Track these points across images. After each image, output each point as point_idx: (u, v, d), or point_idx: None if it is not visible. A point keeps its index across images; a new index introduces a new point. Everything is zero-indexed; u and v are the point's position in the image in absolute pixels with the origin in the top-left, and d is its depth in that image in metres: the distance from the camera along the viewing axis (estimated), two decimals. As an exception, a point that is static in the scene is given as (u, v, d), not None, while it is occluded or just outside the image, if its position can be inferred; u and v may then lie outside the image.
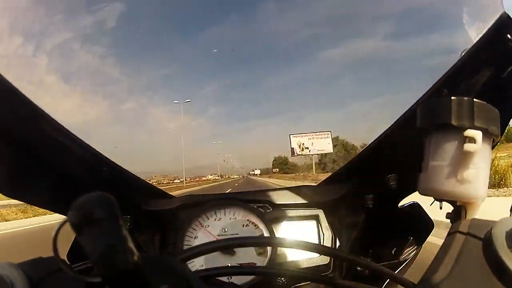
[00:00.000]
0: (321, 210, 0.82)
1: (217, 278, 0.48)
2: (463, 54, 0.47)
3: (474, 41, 0.45)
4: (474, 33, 0.46)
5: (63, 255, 0.59)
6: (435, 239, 0.82)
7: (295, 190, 0.84)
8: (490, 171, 0.38)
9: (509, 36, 0.41)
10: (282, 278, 0.69)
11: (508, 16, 0.40)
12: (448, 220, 0.37)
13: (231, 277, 0.65)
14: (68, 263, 0.34)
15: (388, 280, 0.60)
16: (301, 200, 0.82)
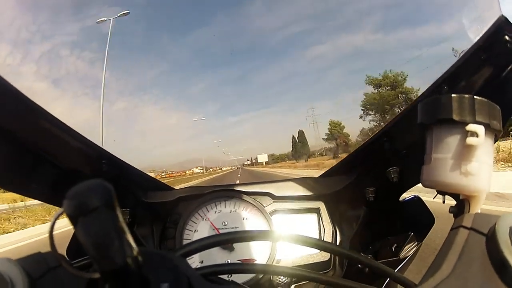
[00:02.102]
0: (322, 203, 0.82)
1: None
2: (462, 53, 0.47)
3: (473, 42, 0.45)
4: (473, 33, 0.46)
5: (63, 250, 0.59)
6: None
7: (296, 182, 0.83)
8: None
9: (507, 37, 0.42)
10: (283, 276, 0.69)
11: (506, 18, 0.41)
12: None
13: (231, 274, 0.65)
14: (67, 259, 0.33)
15: (388, 279, 0.60)
16: (302, 192, 0.81)
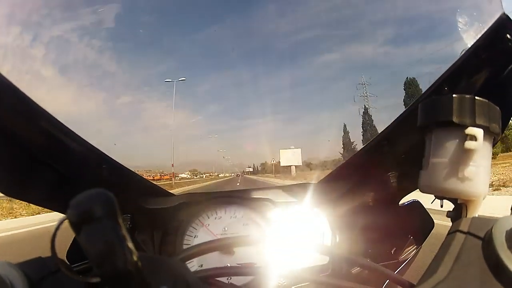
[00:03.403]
0: (321, 208, 0.82)
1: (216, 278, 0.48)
2: (462, 53, 0.47)
3: (474, 41, 0.45)
4: (474, 32, 0.46)
5: (63, 254, 0.59)
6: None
7: (296, 188, 0.84)
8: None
9: (508, 36, 0.42)
10: (282, 279, 0.69)
11: (508, 16, 0.41)
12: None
13: (230, 278, 0.65)
14: (68, 263, 0.33)
15: (387, 280, 0.60)
16: (301, 198, 0.81)
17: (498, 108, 0.34)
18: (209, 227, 0.77)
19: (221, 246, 0.42)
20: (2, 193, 0.53)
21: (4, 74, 0.42)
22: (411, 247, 0.72)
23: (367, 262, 0.42)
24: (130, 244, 0.20)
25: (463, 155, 0.33)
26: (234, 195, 0.80)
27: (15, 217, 7.94)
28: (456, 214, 0.36)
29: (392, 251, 0.73)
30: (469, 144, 0.32)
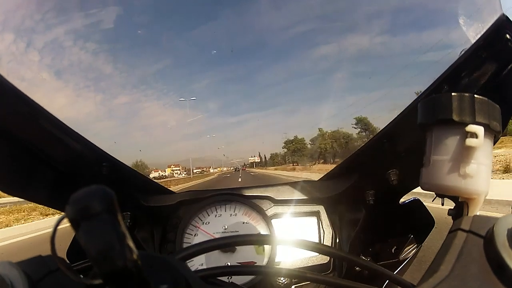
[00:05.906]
0: (322, 206, 0.82)
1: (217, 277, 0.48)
2: (462, 52, 0.47)
3: (474, 40, 0.45)
4: (474, 32, 0.46)
5: (63, 253, 0.59)
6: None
7: (296, 185, 0.84)
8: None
9: (508, 36, 0.42)
10: (282, 278, 0.69)
11: (507, 17, 0.41)
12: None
13: (231, 277, 0.65)
14: (68, 262, 0.33)
15: (388, 280, 0.60)
16: (302, 196, 0.82)
17: (498, 106, 0.34)
18: (209, 225, 0.77)
19: (222, 245, 0.42)
20: (3, 191, 0.53)
21: (4, 75, 0.42)
22: (411, 246, 0.72)
23: (367, 262, 0.42)
24: (130, 242, 0.20)
25: (464, 153, 0.33)
26: (234, 192, 0.80)
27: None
28: (457, 212, 0.36)
29: (393, 250, 0.73)
30: (470, 141, 0.32)
